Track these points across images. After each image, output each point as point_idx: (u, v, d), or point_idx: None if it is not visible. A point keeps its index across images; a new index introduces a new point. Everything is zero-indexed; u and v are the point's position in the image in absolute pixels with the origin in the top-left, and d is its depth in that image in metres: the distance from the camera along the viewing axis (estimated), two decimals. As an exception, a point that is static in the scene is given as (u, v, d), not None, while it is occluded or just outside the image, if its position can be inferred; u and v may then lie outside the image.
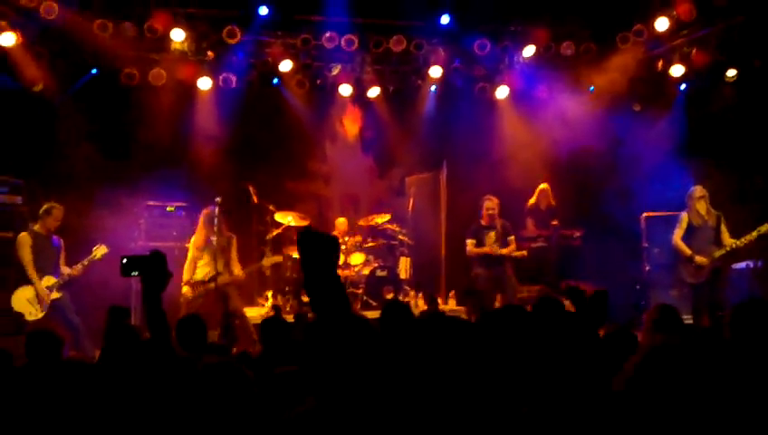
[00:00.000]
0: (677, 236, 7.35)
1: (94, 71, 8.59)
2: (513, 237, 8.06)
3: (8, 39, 7.62)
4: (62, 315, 6.77)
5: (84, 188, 7.66)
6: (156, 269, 2.89)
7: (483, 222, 8.04)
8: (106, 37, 8.06)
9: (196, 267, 7.25)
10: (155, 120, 8.47)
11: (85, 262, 6.94)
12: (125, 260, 2.93)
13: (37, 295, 6.76)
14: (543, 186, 8.99)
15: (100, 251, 6.96)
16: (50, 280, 6.83)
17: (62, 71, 8.31)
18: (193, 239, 7.36)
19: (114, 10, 8.08)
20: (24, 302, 6.74)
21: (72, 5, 7.82)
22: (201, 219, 7.34)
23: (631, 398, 1.77)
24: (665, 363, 1.82)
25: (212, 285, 7.10)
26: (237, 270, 7.37)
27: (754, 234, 7.13)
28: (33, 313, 6.73)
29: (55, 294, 6.82)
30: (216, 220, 7.20)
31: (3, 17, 7.59)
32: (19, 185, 7.25)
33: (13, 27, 7.65)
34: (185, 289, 7.14)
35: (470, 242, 8.03)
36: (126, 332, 4.36)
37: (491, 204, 7.97)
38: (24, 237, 6.81)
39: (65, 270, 6.94)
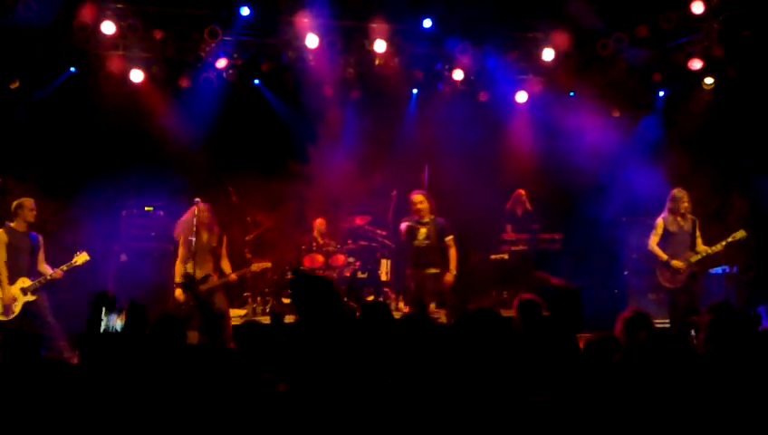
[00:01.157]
0: (653, 241, 7.42)
1: (72, 69, 8.49)
2: (450, 238, 7.56)
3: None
4: (36, 318, 6.57)
5: (62, 189, 7.56)
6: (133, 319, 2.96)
7: (414, 217, 7.60)
8: (85, 35, 7.98)
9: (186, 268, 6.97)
10: (134, 120, 8.40)
11: (65, 267, 6.76)
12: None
13: (2, 299, 6.55)
14: (519, 191, 9.06)
15: (81, 258, 6.80)
16: (25, 282, 6.64)
17: (39, 69, 8.20)
18: (182, 238, 7.10)
19: (95, 8, 7.98)
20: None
21: (51, 4, 7.72)
22: (191, 216, 7.07)
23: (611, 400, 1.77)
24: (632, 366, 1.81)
25: (203, 286, 6.88)
26: (228, 269, 7.18)
27: (729, 240, 7.24)
28: (3, 315, 6.53)
29: (29, 297, 6.61)
30: (206, 217, 7.01)
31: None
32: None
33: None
34: (178, 292, 6.89)
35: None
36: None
37: (418, 198, 7.53)
38: (0, 235, 6.63)
39: (46, 270, 6.76)
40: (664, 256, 7.32)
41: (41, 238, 6.85)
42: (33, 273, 6.72)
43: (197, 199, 7.06)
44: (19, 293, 6.62)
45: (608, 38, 8.84)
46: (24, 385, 3.27)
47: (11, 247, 6.64)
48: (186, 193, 7.15)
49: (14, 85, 7.97)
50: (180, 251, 7.06)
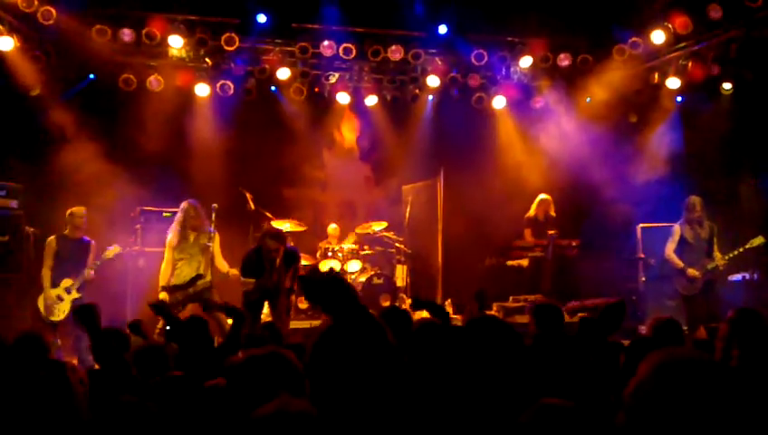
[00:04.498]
0: (670, 249, 7.41)
1: (92, 76, 8.59)
2: None
3: (6, 43, 7.60)
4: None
5: (81, 194, 7.62)
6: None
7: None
8: (104, 43, 8.07)
9: (174, 270, 6.80)
10: (153, 127, 8.48)
11: (97, 262, 6.98)
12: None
13: (46, 300, 6.83)
14: (544, 196, 8.91)
15: (112, 251, 7.00)
16: (68, 281, 6.87)
17: (59, 76, 8.31)
18: (169, 238, 6.91)
19: (112, 16, 8.08)
20: (42, 304, 6.85)
21: (71, 11, 7.82)
22: (178, 215, 6.94)
23: (643, 411, 1.73)
24: (678, 376, 1.75)
25: (191, 290, 6.72)
26: (225, 267, 6.92)
27: (746, 246, 7.22)
28: (54, 314, 6.81)
29: (75, 295, 6.85)
30: (195, 215, 6.86)
31: (1, 22, 7.58)
32: (15, 189, 7.23)
33: (11, 32, 7.63)
34: (162, 295, 6.67)
35: None
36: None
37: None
38: (50, 242, 6.90)
39: (87, 271, 6.95)
40: (680, 264, 7.29)
41: (92, 244, 7.05)
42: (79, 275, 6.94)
43: (215, 205, 7.04)
44: (63, 292, 6.84)
45: (624, 43, 8.82)
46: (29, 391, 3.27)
47: (58, 255, 6.89)
48: (203, 198, 7.16)
49: (35, 92, 8.07)
50: (166, 253, 6.90)
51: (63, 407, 2.71)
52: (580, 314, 7.28)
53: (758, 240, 7.17)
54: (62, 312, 6.82)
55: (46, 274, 6.85)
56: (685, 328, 7.23)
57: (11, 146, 7.72)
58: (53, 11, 7.59)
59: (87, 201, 7.34)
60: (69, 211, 6.99)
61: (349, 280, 8.72)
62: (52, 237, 6.92)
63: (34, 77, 7.99)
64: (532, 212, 8.92)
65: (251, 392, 2.42)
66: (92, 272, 6.95)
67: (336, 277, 2.32)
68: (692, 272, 7.21)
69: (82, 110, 8.37)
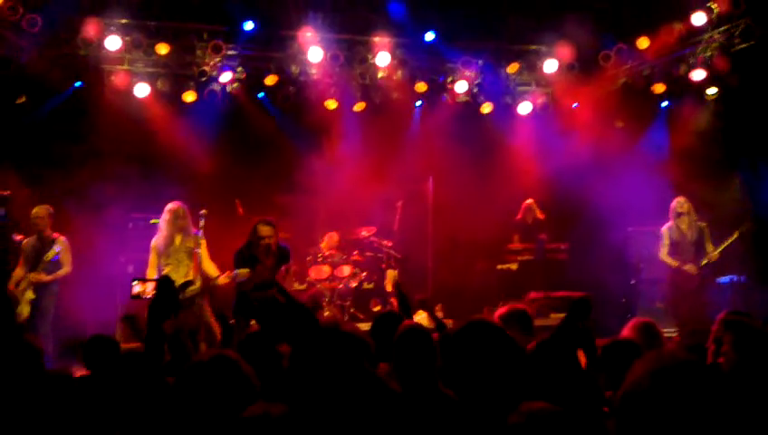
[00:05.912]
0: (663, 252, 7.64)
1: (79, 83, 8.53)
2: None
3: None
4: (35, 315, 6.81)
5: (70, 200, 7.57)
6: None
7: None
8: (90, 50, 8.04)
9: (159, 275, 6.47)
10: (140, 133, 8.44)
11: (44, 261, 6.90)
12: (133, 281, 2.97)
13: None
14: (528, 201, 9.11)
15: (52, 253, 6.92)
16: (23, 282, 6.86)
17: (45, 83, 8.25)
18: (153, 242, 6.67)
19: (101, 22, 8.05)
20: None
21: (57, 18, 7.78)
22: (163, 218, 6.71)
23: (635, 416, 1.72)
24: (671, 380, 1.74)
25: (180, 297, 6.11)
26: (214, 272, 6.60)
27: (726, 244, 7.51)
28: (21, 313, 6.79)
29: (29, 295, 6.81)
30: (183, 216, 6.64)
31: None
32: (3, 197, 7.17)
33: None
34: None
35: None
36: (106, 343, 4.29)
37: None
38: (25, 243, 6.96)
39: (35, 272, 6.91)
40: (675, 263, 7.54)
41: (57, 240, 6.96)
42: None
43: (203, 211, 6.92)
44: (20, 293, 6.83)
45: (609, 49, 8.91)
46: (27, 398, 3.24)
47: (25, 256, 6.93)
48: (192, 205, 7.10)
49: (21, 100, 8.01)
50: (151, 259, 6.65)
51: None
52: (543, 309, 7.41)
53: (735, 235, 7.48)
54: (24, 312, 6.78)
55: (14, 276, 6.88)
56: (674, 330, 7.33)
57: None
58: (39, 18, 7.56)
59: (75, 208, 7.30)
60: (33, 212, 6.98)
61: (341, 285, 8.72)
62: (26, 239, 6.99)
63: (19, 84, 7.94)
64: (519, 216, 9.07)
65: (199, 396, 2.40)
66: (41, 275, 6.84)
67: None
68: (689, 267, 7.44)
69: (69, 116, 8.31)
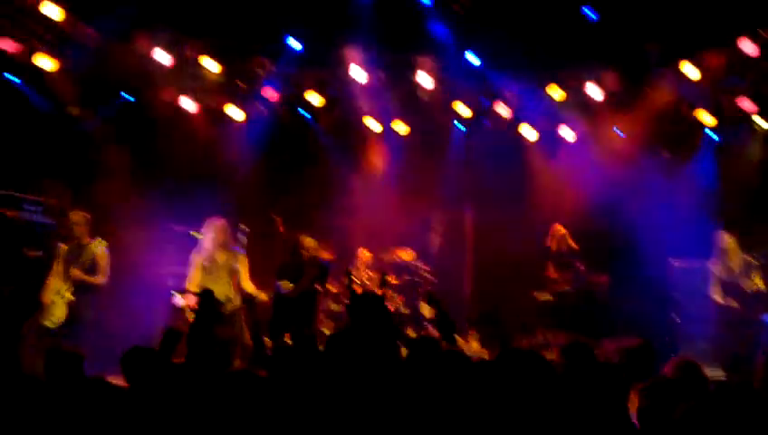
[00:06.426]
0: (713, 290, 7.49)
1: (129, 97, 8.75)
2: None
3: (48, 63, 7.79)
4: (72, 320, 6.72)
5: (115, 211, 7.73)
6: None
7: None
8: (142, 65, 8.23)
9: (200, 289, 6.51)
10: (186, 148, 8.60)
11: (82, 260, 6.79)
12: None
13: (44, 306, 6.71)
14: (558, 229, 8.80)
15: (96, 244, 6.81)
16: (61, 286, 6.76)
17: (97, 96, 8.47)
18: (195, 256, 6.82)
19: (151, 38, 8.25)
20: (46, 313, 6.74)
21: (111, 32, 8.00)
22: (206, 233, 6.86)
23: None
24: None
25: (223, 310, 6.50)
26: (252, 290, 6.78)
27: None
28: (52, 320, 6.71)
29: (68, 296, 6.71)
30: (222, 236, 6.79)
31: (43, 42, 7.78)
32: (50, 205, 7.33)
33: (52, 52, 7.83)
34: (188, 312, 6.48)
35: None
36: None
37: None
38: (61, 250, 6.85)
39: (72, 271, 6.77)
40: (723, 301, 7.40)
41: (97, 247, 6.84)
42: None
43: (243, 227, 7.03)
44: (56, 296, 6.72)
45: (655, 76, 8.77)
46: (67, 404, 3.28)
47: (65, 261, 6.80)
48: (233, 220, 7.19)
49: (74, 112, 8.24)
50: (193, 273, 6.79)
51: None
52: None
53: None
54: (56, 317, 6.68)
55: (51, 280, 6.78)
56: (721, 373, 7.10)
57: (47, 163, 7.84)
58: (95, 33, 7.78)
59: (119, 219, 7.44)
60: (71, 218, 6.92)
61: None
62: (64, 246, 6.87)
63: (73, 97, 8.16)
64: (551, 246, 8.77)
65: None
66: (78, 271, 6.72)
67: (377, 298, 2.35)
68: (733, 304, 7.30)
69: (118, 129, 8.52)
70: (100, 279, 6.83)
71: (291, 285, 6.47)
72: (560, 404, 2.64)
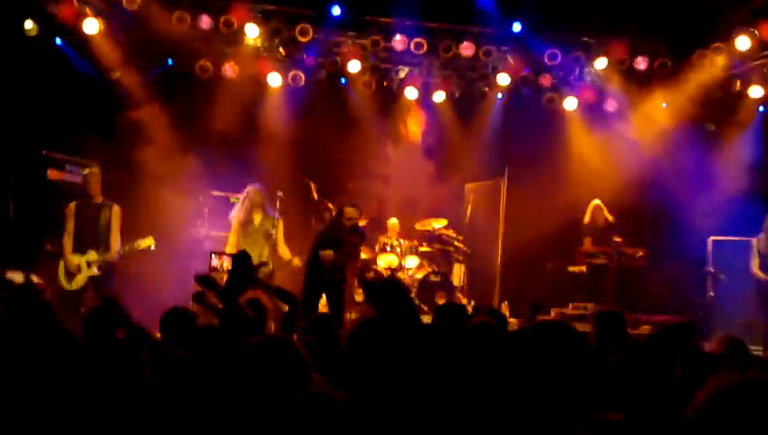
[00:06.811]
0: (754, 265, 7.40)
1: (170, 61, 8.86)
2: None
3: (92, 26, 7.93)
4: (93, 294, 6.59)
5: (154, 175, 7.90)
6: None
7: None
8: (183, 29, 8.30)
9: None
10: (225, 113, 8.70)
11: (125, 248, 6.74)
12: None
13: (68, 265, 6.64)
14: (596, 202, 8.67)
15: (144, 242, 6.71)
16: (92, 255, 6.67)
17: (139, 60, 8.60)
18: (233, 220, 6.95)
19: (193, 3, 8.31)
20: (62, 272, 6.68)
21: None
22: (243, 197, 6.99)
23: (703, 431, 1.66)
24: (741, 399, 1.68)
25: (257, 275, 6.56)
26: (287, 255, 6.97)
27: None
28: (69, 283, 6.64)
29: (92, 271, 6.63)
30: (259, 200, 6.91)
31: (87, 5, 7.91)
32: (92, 166, 7.49)
33: (96, 15, 7.96)
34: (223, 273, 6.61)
35: None
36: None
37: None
38: (70, 207, 6.76)
39: (112, 251, 6.70)
40: (764, 276, 7.30)
41: (114, 211, 6.78)
42: (104, 248, 6.73)
43: (279, 193, 7.16)
44: (84, 264, 6.66)
45: (706, 48, 8.50)
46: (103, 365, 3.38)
47: (78, 219, 6.72)
48: (269, 186, 7.30)
49: (116, 75, 8.40)
50: (230, 237, 6.95)
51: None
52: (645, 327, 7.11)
53: None
54: (76, 283, 6.61)
55: (67, 240, 6.67)
56: (759, 348, 7.01)
57: (89, 125, 8.01)
58: (139, -3, 7.87)
59: (158, 182, 7.60)
60: (84, 173, 6.87)
61: (405, 276, 8.74)
62: (72, 203, 6.77)
63: (116, 60, 8.30)
64: (587, 219, 8.68)
65: (253, 377, 2.49)
66: (116, 254, 6.69)
67: (394, 282, 2.38)
68: None
69: (159, 93, 8.67)
70: (117, 242, 6.77)
71: (332, 254, 6.63)
72: (590, 374, 2.64)
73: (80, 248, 6.71)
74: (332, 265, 6.70)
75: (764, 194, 7.97)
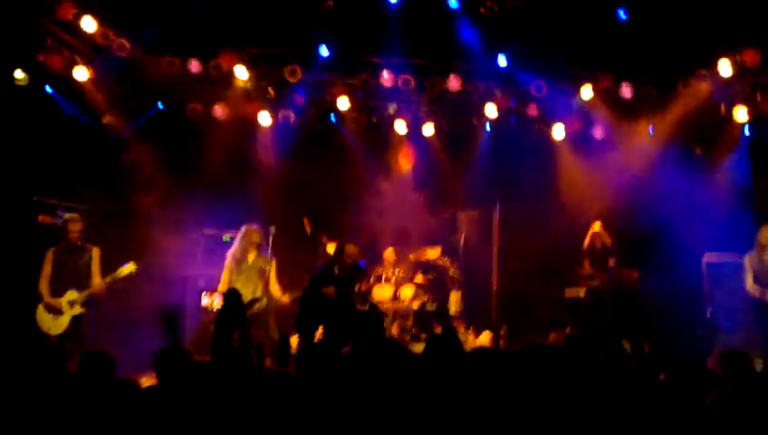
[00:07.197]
0: (748, 283, 7.38)
1: (160, 105, 8.95)
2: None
3: (82, 74, 8.04)
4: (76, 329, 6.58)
5: (146, 216, 7.91)
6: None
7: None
8: (173, 73, 8.42)
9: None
10: (216, 154, 8.77)
11: (107, 279, 6.72)
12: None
13: (48, 309, 6.60)
14: (596, 228, 8.77)
15: (126, 269, 6.70)
16: (73, 294, 6.65)
17: (130, 105, 8.70)
18: (229, 256, 7.01)
19: (182, 48, 8.43)
20: (44, 317, 6.63)
21: (143, 43, 8.21)
22: (240, 236, 7.05)
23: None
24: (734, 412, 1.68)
25: (249, 311, 6.58)
26: (278, 293, 6.99)
27: None
28: (51, 327, 6.58)
29: (77, 310, 6.60)
30: (255, 238, 6.96)
31: (77, 53, 8.02)
32: (81, 211, 7.44)
33: (86, 63, 8.06)
34: (216, 301, 6.77)
35: None
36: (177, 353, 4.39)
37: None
38: (48, 252, 6.78)
39: (95, 286, 6.71)
40: (758, 292, 7.28)
41: (94, 253, 6.83)
42: (81, 288, 6.71)
43: (272, 228, 7.18)
44: (66, 305, 6.63)
45: (690, 74, 8.64)
46: (98, 406, 3.35)
47: (56, 263, 6.75)
48: (262, 223, 7.31)
49: (107, 120, 8.48)
50: (224, 274, 6.97)
51: None
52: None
53: None
54: (59, 325, 6.57)
55: (44, 285, 6.67)
56: (761, 361, 6.99)
57: (79, 170, 8.05)
58: (127, 44, 7.99)
59: (150, 223, 7.60)
60: (65, 219, 6.88)
61: (403, 306, 8.74)
62: (51, 248, 6.78)
63: (107, 105, 8.39)
64: (587, 243, 8.77)
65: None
66: (103, 287, 6.69)
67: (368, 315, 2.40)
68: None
69: (151, 136, 8.73)
70: (98, 282, 6.77)
71: (334, 290, 6.67)
72: (575, 397, 2.63)
73: (58, 292, 6.69)
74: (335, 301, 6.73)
75: (753, 211, 8.02)
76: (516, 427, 2.65)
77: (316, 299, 6.67)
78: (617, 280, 8.39)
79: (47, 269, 6.74)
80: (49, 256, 6.79)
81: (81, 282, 6.73)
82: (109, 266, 6.86)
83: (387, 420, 2.77)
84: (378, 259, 9.25)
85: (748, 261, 7.38)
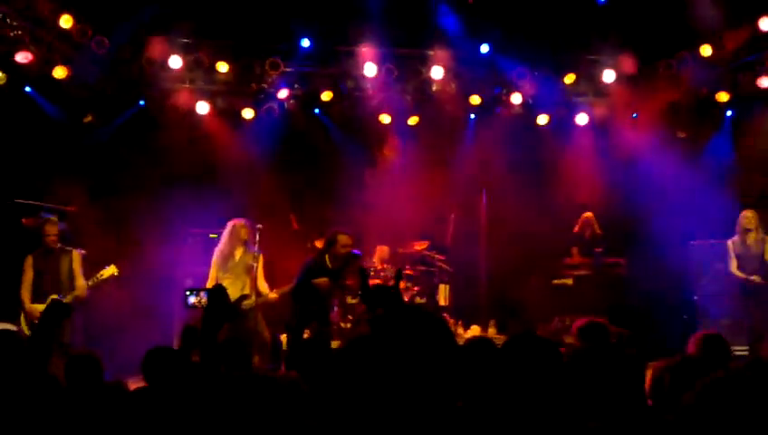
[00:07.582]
0: (732, 266, 7.46)
1: (142, 102, 8.86)
2: None
3: (60, 72, 7.93)
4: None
5: (131, 216, 7.84)
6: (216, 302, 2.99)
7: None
8: (153, 69, 8.33)
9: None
10: (200, 149, 8.70)
11: (90, 282, 6.65)
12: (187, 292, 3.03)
13: (30, 317, 6.51)
14: (587, 215, 8.87)
15: (107, 272, 6.64)
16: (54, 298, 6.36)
17: (110, 102, 8.60)
18: (217, 252, 6.94)
19: (162, 43, 8.33)
20: (24, 323, 6.55)
21: (122, 40, 8.11)
22: (226, 232, 6.96)
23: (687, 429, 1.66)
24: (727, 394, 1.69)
25: (240, 308, 6.62)
26: (265, 289, 6.91)
27: None
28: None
29: None
30: (243, 234, 6.87)
31: (56, 52, 7.90)
32: (64, 212, 7.34)
33: (65, 61, 7.95)
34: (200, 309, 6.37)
35: None
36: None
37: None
38: (27, 258, 6.69)
39: (78, 290, 6.64)
40: (742, 275, 7.35)
41: (75, 256, 6.76)
42: (62, 293, 6.58)
43: (259, 226, 7.11)
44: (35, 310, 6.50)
45: (671, 58, 8.67)
46: (86, 410, 3.33)
47: (36, 269, 6.68)
48: (249, 219, 7.26)
49: (88, 119, 8.37)
50: (211, 271, 6.89)
51: None
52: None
53: None
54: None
55: (25, 292, 6.59)
56: (744, 348, 7.09)
57: (62, 170, 7.96)
58: (106, 40, 7.89)
59: (137, 223, 7.54)
60: (41, 221, 6.80)
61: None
62: (30, 255, 6.69)
63: (87, 104, 8.29)
64: (576, 229, 8.89)
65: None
66: (86, 290, 6.62)
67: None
68: (755, 278, 7.24)
69: (132, 134, 8.64)
70: (82, 284, 6.70)
71: (328, 281, 6.61)
72: (566, 389, 2.63)
73: (39, 298, 6.55)
74: (327, 293, 6.70)
75: (736, 195, 8.08)
76: (511, 419, 2.64)
77: (309, 292, 6.63)
78: (603, 268, 8.46)
79: (28, 275, 6.67)
80: (29, 262, 6.71)
81: (63, 286, 6.65)
82: (94, 268, 6.80)
83: (385, 418, 2.76)
84: (365, 253, 9.24)
85: (731, 245, 7.47)
